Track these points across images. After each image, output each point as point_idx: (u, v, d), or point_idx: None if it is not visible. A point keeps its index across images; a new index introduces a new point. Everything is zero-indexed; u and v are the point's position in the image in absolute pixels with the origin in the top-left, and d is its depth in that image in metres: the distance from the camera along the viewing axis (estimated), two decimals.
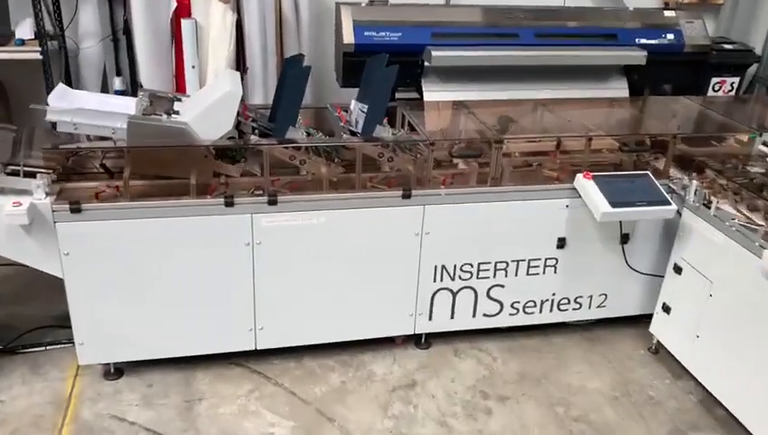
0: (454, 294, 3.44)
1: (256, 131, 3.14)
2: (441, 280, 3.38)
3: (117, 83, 4.45)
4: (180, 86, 4.31)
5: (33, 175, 2.82)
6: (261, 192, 3.01)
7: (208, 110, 2.90)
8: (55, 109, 2.83)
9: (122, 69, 4.42)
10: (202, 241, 3.00)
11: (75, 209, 2.81)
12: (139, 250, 2.95)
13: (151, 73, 4.11)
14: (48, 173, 2.87)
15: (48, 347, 3.39)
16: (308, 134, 3.19)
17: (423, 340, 3.59)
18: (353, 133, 3.21)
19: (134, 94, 4.52)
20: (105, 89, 4.57)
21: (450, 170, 3.37)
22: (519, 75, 4.19)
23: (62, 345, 3.34)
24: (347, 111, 3.42)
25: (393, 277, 3.31)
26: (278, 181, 3.09)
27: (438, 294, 3.42)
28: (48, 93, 4.59)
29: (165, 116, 2.91)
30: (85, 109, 2.88)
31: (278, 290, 3.19)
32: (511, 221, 3.32)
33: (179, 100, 3.13)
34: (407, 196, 3.14)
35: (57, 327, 3.39)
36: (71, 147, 2.95)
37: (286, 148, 3.02)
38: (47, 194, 2.82)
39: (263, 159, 3.02)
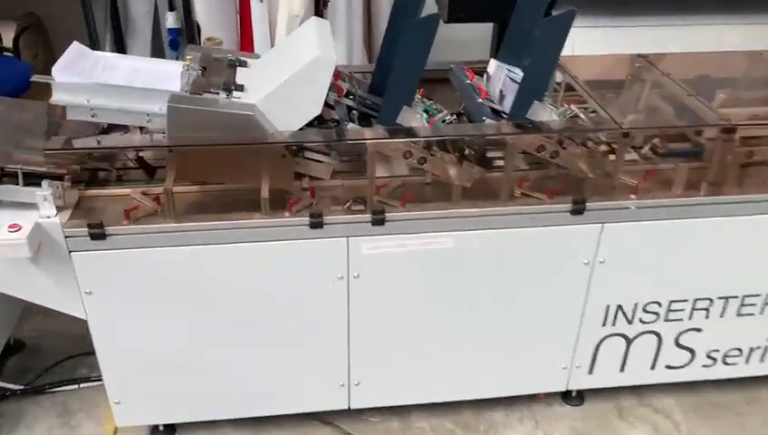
0: (628, 342, 2.43)
1: (354, 113, 2.15)
2: (613, 324, 2.37)
3: (170, 20, 3.58)
4: (246, 25, 3.35)
5: (39, 179, 1.95)
6: (361, 206, 2.04)
7: (287, 85, 1.91)
8: (64, 85, 1.91)
9: (176, 3, 3.53)
10: (277, 274, 2.09)
11: (98, 235, 1.93)
12: (190, 286, 2.07)
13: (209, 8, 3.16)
14: (59, 176, 1.99)
15: (81, 385, 2.63)
16: (427, 113, 2.16)
17: (574, 394, 2.63)
18: (496, 113, 2.17)
19: (189, 36, 3.63)
20: (157, 25, 3.70)
21: (637, 168, 2.27)
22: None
23: (99, 382, 2.56)
24: (481, 76, 2.38)
25: (543, 320, 2.32)
26: (384, 187, 2.11)
27: (606, 342, 2.41)
28: (91, 35, 3.86)
29: (223, 94, 1.95)
30: (108, 85, 1.95)
31: (381, 336, 2.27)
32: (729, 243, 2.24)
33: (244, 64, 2.15)
34: (578, 210, 2.11)
35: (91, 354, 2.61)
36: (81, 148, 2.02)
37: (407, 142, 2.02)
38: (58, 209, 1.96)
39: (360, 152, 2.06)
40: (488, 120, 2.07)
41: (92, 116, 1.91)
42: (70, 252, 1.96)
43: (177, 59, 3.77)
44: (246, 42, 3.24)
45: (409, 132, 2.02)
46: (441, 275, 2.17)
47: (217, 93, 1.95)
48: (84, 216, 1.98)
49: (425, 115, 2.10)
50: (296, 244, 2.03)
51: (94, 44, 3.76)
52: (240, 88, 1.99)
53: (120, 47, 3.82)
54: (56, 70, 1.91)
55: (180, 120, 1.87)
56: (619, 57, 2.64)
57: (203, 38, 3.42)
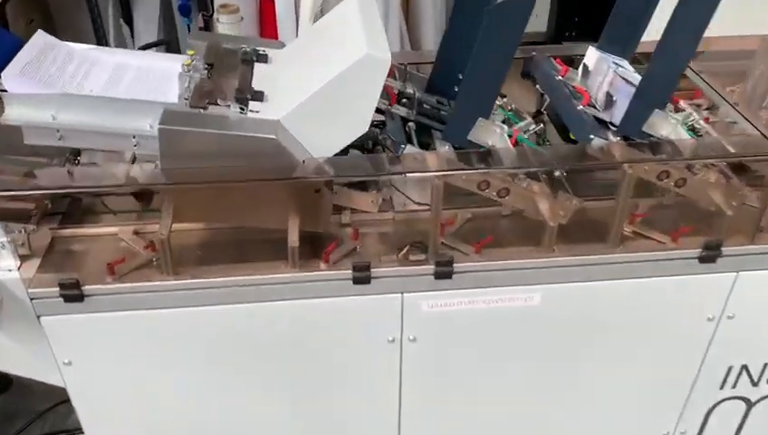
0: (749, 405, 1.93)
1: (410, 125, 1.62)
2: (734, 386, 1.87)
3: None
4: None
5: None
6: (420, 254, 1.53)
7: (323, 95, 1.39)
8: (20, 97, 1.40)
9: None
10: (308, 338, 1.60)
11: (73, 296, 1.46)
12: (195, 354, 1.60)
13: None
14: (24, 215, 1.51)
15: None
16: (507, 122, 1.63)
17: None
18: (602, 123, 1.63)
19: (201, 2, 3.08)
20: None
21: None
22: None
23: None
24: (570, 65, 1.83)
25: (645, 384, 1.82)
26: (449, 225, 1.60)
27: (721, 406, 1.91)
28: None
29: (235, 107, 1.43)
30: (81, 96, 1.44)
31: (440, 408, 1.78)
32: None
33: (264, 58, 1.62)
34: (710, 257, 1.58)
35: None
36: (35, 191, 1.45)
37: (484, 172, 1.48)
38: (22, 259, 1.49)
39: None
40: (596, 139, 1.53)
41: (59, 139, 1.41)
42: (39, 316, 1.49)
43: (188, 28, 3.25)
44: (268, 16, 2.68)
45: (489, 158, 1.49)
46: (522, 336, 1.67)
47: (228, 105, 1.42)
48: (58, 265, 1.50)
49: (505, 128, 1.57)
50: (334, 302, 1.54)
51: (96, 10, 3.26)
52: (259, 96, 1.46)
53: (127, 12, 3.32)
54: (8, 75, 1.40)
55: (177, 146, 1.36)
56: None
57: (216, 4, 2.88)
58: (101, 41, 3.34)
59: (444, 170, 1.44)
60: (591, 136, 1.51)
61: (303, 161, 1.41)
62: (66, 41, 1.60)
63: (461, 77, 1.71)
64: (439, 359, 1.68)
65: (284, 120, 1.41)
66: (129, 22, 3.44)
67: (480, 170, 1.46)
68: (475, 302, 1.59)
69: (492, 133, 1.54)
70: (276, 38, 2.58)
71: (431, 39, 2.77)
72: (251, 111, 1.43)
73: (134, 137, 1.41)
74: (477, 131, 1.53)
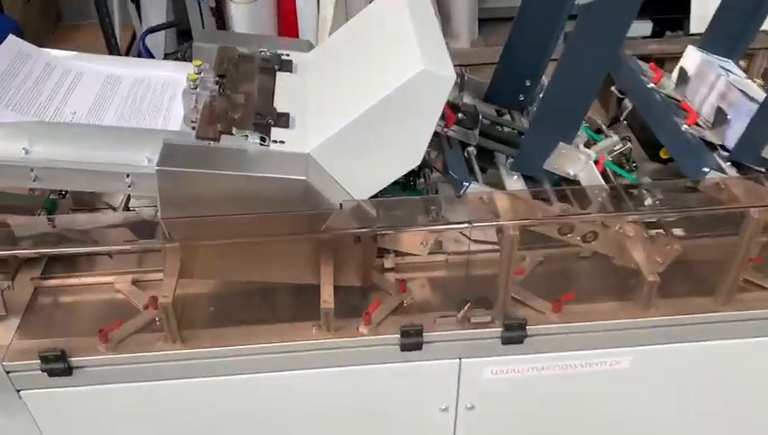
0: None
1: (469, 151, 1.31)
2: None
3: None
4: None
5: None
6: (486, 316, 1.23)
7: (365, 122, 1.08)
8: None
9: None
10: (345, 408, 1.32)
11: (58, 371, 1.19)
12: (208, 432, 1.33)
13: None
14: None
15: None
16: (587, 142, 1.31)
17: None
18: (708, 144, 1.30)
19: None
20: None
21: None
22: None
23: None
24: (660, 65, 1.49)
25: None
26: (518, 273, 1.30)
27: None
28: None
29: (253, 137, 1.13)
30: (60, 124, 1.15)
31: None
32: None
33: (288, 66, 1.31)
34: None
35: None
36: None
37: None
38: None
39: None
40: (713, 173, 1.21)
41: (34, 180, 1.12)
42: (18, 391, 1.23)
43: (199, 6, 2.93)
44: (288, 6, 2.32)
45: (581, 198, 1.18)
46: (603, 403, 1.38)
47: (245, 135, 1.12)
48: (41, 327, 1.23)
49: (592, 154, 1.25)
50: (376, 370, 1.26)
51: None
52: (284, 121, 1.16)
53: None
54: None
55: (180, 191, 1.07)
56: None
57: None
58: (105, 21, 3.03)
59: (525, 219, 1.13)
60: (705, 169, 1.19)
61: (341, 205, 1.12)
62: (68, 22, 1.30)
63: (528, 84, 1.41)
64: (502, 428, 1.40)
65: (316, 154, 1.11)
66: (136, 0, 3.13)
67: (577, 216, 1.15)
68: (550, 368, 1.30)
69: (575, 162, 1.23)
70: (296, 28, 2.25)
71: (465, 31, 2.38)
72: (274, 141, 1.13)
73: (128, 176, 1.11)
74: (557, 159, 1.22)
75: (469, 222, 1.12)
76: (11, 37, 1.25)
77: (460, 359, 1.26)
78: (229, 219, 1.09)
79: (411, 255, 1.30)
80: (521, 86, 1.41)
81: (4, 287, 1.21)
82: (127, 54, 2.38)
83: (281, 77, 1.29)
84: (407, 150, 1.12)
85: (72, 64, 1.28)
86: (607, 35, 1.09)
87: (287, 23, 2.27)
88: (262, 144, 1.12)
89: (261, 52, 1.35)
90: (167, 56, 2.42)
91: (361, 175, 1.14)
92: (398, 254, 1.32)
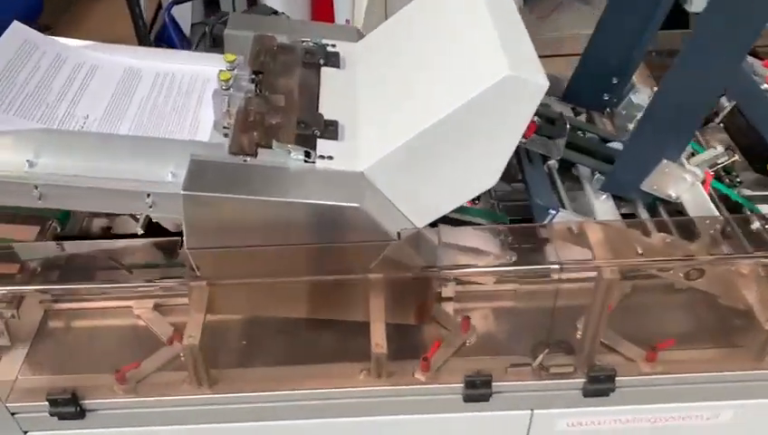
0: None
1: (550, 165, 1.10)
2: None
3: None
4: None
5: None
6: (567, 365, 1.05)
7: (433, 136, 0.89)
8: None
9: None
10: None
11: (70, 414, 1.04)
12: None
13: None
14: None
15: None
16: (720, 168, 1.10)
17: None
18: None
19: None
20: None
21: None
22: None
23: None
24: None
25: None
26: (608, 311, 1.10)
27: None
28: None
29: (296, 152, 0.94)
30: (69, 132, 0.97)
31: None
32: None
33: (334, 61, 1.11)
34: None
35: None
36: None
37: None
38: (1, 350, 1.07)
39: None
40: None
41: (39, 199, 0.95)
42: (25, 432, 1.08)
43: None
44: None
45: (692, 230, 0.97)
46: None
47: (287, 151, 0.93)
48: (50, 361, 1.08)
49: (699, 173, 1.04)
50: (433, 419, 1.08)
51: None
52: (332, 132, 0.97)
53: None
54: None
55: (210, 219, 0.89)
56: None
57: None
58: None
59: (628, 261, 0.93)
60: None
61: (398, 235, 0.93)
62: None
63: (616, 82, 1.20)
64: None
65: (372, 173, 0.92)
66: None
67: (687, 260, 0.95)
68: (636, 420, 1.11)
69: (679, 182, 1.02)
70: (331, 5, 2.04)
71: None
72: (321, 156, 0.94)
73: (148, 196, 0.94)
74: (658, 178, 1.02)
75: (559, 265, 0.93)
76: (15, 25, 1.07)
77: (532, 410, 1.08)
78: (267, 251, 0.92)
79: (476, 283, 1.12)
80: (606, 84, 1.20)
81: (7, 317, 1.05)
82: (152, 26, 2.19)
83: (326, 74, 1.10)
84: (482, 169, 0.93)
85: (86, 56, 1.10)
86: (734, 39, 0.88)
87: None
88: (306, 161, 0.93)
89: (303, 42, 1.16)
90: (193, 26, 2.23)
91: (423, 197, 0.95)
92: (458, 281, 1.13)
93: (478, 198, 1.10)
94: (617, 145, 1.17)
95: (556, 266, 0.93)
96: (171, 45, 2.15)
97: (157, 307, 1.14)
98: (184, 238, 0.90)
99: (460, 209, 1.05)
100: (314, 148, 0.94)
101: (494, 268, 0.99)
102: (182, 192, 0.86)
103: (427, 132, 0.89)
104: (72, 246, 1.04)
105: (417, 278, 0.98)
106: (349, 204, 0.88)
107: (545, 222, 0.98)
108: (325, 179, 0.91)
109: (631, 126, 1.17)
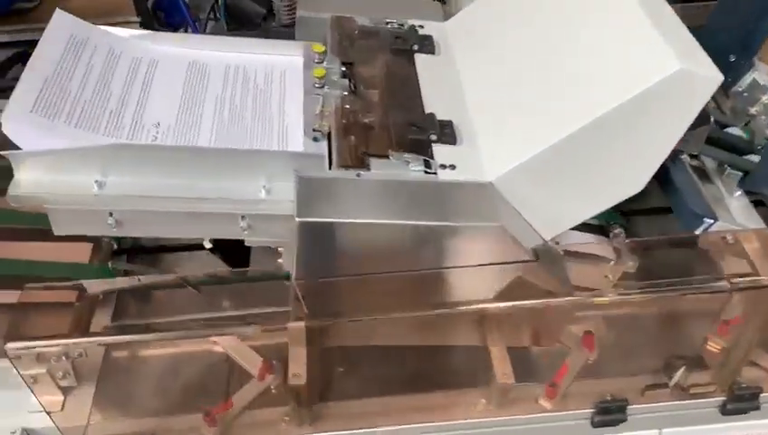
0: None
1: (685, 160, 0.98)
2: None
3: None
4: None
5: None
6: (705, 383, 0.94)
7: (587, 136, 0.76)
8: (35, 158, 0.79)
9: None
10: None
11: None
12: None
13: None
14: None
15: None
16: None
17: None
18: None
19: None
20: None
21: None
22: None
23: None
24: None
25: None
26: (733, 324, 0.99)
27: None
28: None
29: (416, 163, 0.81)
30: (141, 148, 0.83)
31: None
32: None
33: (427, 44, 0.97)
34: None
35: None
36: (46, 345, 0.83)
37: None
38: (64, 392, 0.94)
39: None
40: None
41: (114, 227, 0.81)
42: None
43: None
44: None
45: None
46: None
47: (406, 161, 0.80)
48: (122, 400, 0.95)
49: None
50: None
51: None
52: (449, 136, 0.83)
53: None
54: (12, 115, 0.79)
55: (327, 245, 0.77)
56: None
57: None
58: None
59: None
60: None
61: (536, 254, 0.81)
62: None
63: (734, 59, 1.07)
64: None
65: (502, 183, 0.79)
66: None
67: None
68: None
69: None
70: None
71: None
72: (442, 165, 0.81)
73: (243, 218, 0.80)
74: None
75: (729, 282, 0.81)
76: (59, 15, 0.91)
77: (660, 430, 0.98)
78: (385, 278, 0.79)
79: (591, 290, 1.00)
80: (723, 62, 1.07)
81: (74, 356, 0.92)
82: None
83: (422, 62, 0.96)
84: (629, 175, 0.80)
85: (142, 49, 0.95)
86: None
87: None
88: (428, 172, 0.80)
89: (389, 23, 1.01)
90: None
91: (558, 208, 0.83)
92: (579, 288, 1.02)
93: None
94: (736, 131, 1.05)
95: (724, 283, 0.81)
96: (171, 13, 1.96)
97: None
98: (292, 270, 0.77)
99: None
100: (432, 155, 0.81)
101: (648, 291, 0.87)
102: (298, 219, 0.73)
103: (574, 136, 0.76)
104: (147, 278, 0.91)
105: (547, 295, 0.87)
106: (491, 224, 0.75)
107: (698, 230, 0.86)
108: (457, 194, 0.78)
109: (753, 110, 1.05)
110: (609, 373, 0.96)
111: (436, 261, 0.78)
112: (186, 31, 1.99)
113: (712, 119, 0.92)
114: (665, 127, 0.76)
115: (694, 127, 0.93)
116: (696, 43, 0.78)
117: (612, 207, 0.93)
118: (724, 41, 1.06)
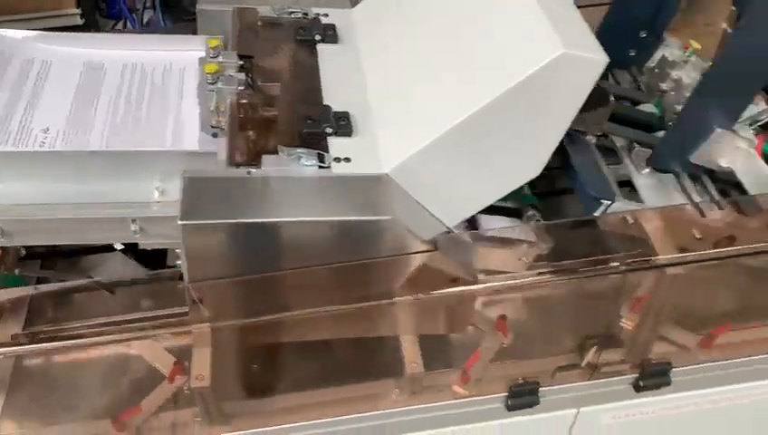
0: None
1: (588, 141, 0.98)
2: None
3: None
4: None
5: None
6: (618, 362, 0.95)
7: (477, 123, 0.75)
8: None
9: None
10: None
11: None
12: None
13: None
14: None
15: None
16: None
17: None
18: None
19: None
20: None
21: None
22: None
23: None
24: None
25: None
26: (641, 301, 1.00)
27: None
28: None
29: (308, 157, 0.80)
30: (30, 154, 0.81)
31: None
32: None
33: (331, 34, 0.96)
34: None
35: None
36: None
37: None
38: None
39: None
40: None
41: (2, 236, 0.79)
42: None
43: None
44: None
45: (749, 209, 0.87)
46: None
47: (298, 156, 0.79)
48: (33, 410, 0.94)
49: (753, 139, 0.94)
50: (471, 430, 0.99)
51: None
52: (345, 127, 0.82)
53: None
54: None
55: (215, 247, 0.76)
56: None
57: None
58: None
59: (690, 261, 0.83)
60: None
61: (435, 245, 0.81)
62: None
63: (644, 35, 1.08)
64: None
65: (399, 173, 0.78)
66: None
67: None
68: (692, 405, 1.03)
69: (732, 151, 0.91)
70: None
71: None
72: (336, 158, 0.80)
73: (134, 221, 0.79)
74: (710, 149, 0.91)
75: (623, 269, 0.82)
76: None
77: (578, 409, 1.00)
78: (282, 277, 0.78)
79: (502, 272, 1.01)
80: (633, 38, 1.08)
81: None
82: None
83: (324, 52, 0.94)
84: (526, 159, 0.80)
85: (35, 49, 0.92)
86: None
87: None
88: (321, 166, 0.79)
89: (291, 12, 1.00)
90: None
91: (458, 195, 0.82)
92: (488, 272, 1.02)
93: None
94: (649, 108, 1.06)
95: (616, 264, 0.82)
96: (113, 4, 1.93)
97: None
98: (183, 271, 0.76)
99: None
100: (327, 149, 0.80)
101: (537, 274, 0.88)
102: (180, 223, 0.71)
103: (467, 122, 0.75)
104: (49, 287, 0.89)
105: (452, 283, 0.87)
106: (381, 217, 0.75)
107: (596, 212, 0.86)
108: (346, 188, 0.77)
109: (664, 86, 1.05)
110: (525, 356, 0.97)
111: (334, 256, 0.77)
112: (125, 23, 1.98)
113: (612, 98, 0.91)
114: (556, 109, 0.76)
115: (594, 108, 0.94)
116: (586, 27, 0.77)
117: (530, 190, 0.95)
118: (636, 17, 1.06)
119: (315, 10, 1.01)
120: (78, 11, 1.69)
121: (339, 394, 0.92)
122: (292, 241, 0.76)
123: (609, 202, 0.84)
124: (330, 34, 0.96)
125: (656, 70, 1.06)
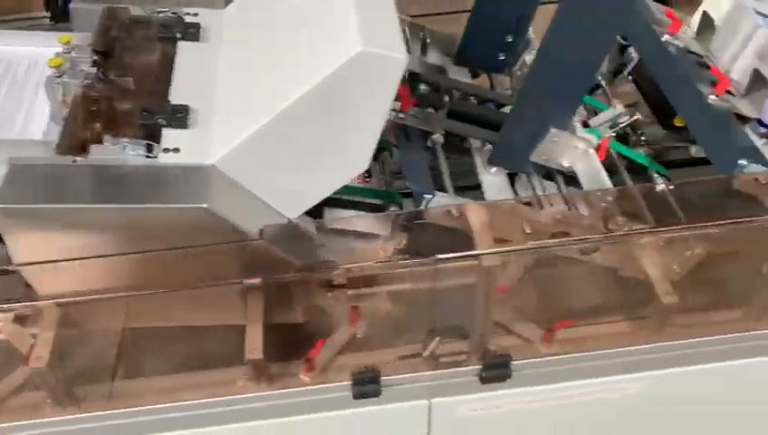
0: None
1: (434, 139, 1.01)
2: None
3: None
4: None
5: None
6: (461, 353, 0.98)
7: (289, 119, 0.79)
8: None
9: None
10: None
11: None
12: None
13: None
14: None
15: None
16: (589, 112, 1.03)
17: None
18: (742, 120, 1.01)
19: None
20: None
21: None
22: None
23: None
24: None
25: None
26: (498, 292, 1.03)
27: None
28: None
29: (135, 148, 0.83)
30: None
31: None
32: None
33: (192, 32, 1.00)
34: None
35: None
36: None
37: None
38: None
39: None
40: (749, 166, 0.92)
41: None
42: None
43: None
44: None
45: (576, 205, 0.90)
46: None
47: (123, 145, 0.83)
48: None
49: (592, 139, 0.97)
50: (322, 418, 1.01)
51: None
52: (180, 119, 0.86)
53: None
54: None
55: (33, 231, 0.79)
56: None
57: None
58: None
59: (506, 249, 0.86)
60: (743, 162, 0.90)
61: (261, 233, 0.84)
62: None
63: (511, 39, 1.11)
64: None
65: (225, 165, 0.82)
66: None
67: (577, 242, 0.88)
68: (542, 400, 1.06)
69: (571, 151, 0.94)
70: None
71: None
72: (166, 148, 0.83)
73: None
74: (547, 148, 0.94)
75: (437, 260, 0.84)
76: None
77: (430, 399, 1.02)
78: (107, 262, 0.82)
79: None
80: (500, 43, 1.11)
81: None
82: None
83: (183, 50, 0.98)
84: (348, 153, 0.83)
85: None
86: None
87: None
88: (149, 156, 0.82)
89: (160, 12, 1.03)
90: None
91: (289, 187, 0.86)
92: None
93: (369, 175, 1.02)
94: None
95: (429, 260, 0.85)
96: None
97: (18, 318, 1.03)
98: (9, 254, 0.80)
99: (348, 189, 0.96)
100: (158, 140, 0.84)
101: (364, 264, 0.90)
102: None
103: (280, 117, 0.79)
104: None
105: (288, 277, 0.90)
106: (193, 205, 0.78)
107: (421, 207, 0.89)
108: (168, 177, 0.81)
109: None
110: (375, 347, 1.00)
111: (153, 243, 0.81)
112: None
113: (447, 98, 0.95)
114: (365, 106, 0.79)
115: (432, 107, 0.98)
116: (396, 26, 0.80)
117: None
118: (500, 20, 1.09)
119: (186, 10, 1.05)
120: (47, 14, 1.73)
121: (184, 380, 0.95)
122: (110, 227, 0.79)
123: (431, 196, 0.87)
124: (191, 33, 1.00)
125: (518, 73, 1.10)
